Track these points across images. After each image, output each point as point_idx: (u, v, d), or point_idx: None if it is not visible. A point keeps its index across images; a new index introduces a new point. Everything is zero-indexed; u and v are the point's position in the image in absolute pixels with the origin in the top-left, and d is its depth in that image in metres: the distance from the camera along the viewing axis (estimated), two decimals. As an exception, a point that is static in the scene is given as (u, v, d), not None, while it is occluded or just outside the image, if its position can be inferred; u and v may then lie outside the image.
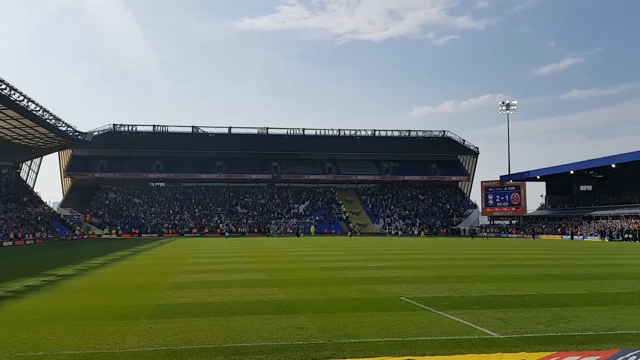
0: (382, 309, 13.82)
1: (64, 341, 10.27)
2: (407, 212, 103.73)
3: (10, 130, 66.97)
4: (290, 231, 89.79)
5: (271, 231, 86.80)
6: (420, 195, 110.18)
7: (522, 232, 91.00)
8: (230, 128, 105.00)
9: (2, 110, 56.39)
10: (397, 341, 10.27)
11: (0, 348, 9.72)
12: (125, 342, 10.19)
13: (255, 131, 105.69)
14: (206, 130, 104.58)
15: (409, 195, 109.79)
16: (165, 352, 9.42)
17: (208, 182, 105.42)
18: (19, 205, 79.63)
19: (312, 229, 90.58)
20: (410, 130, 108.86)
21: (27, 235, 64.83)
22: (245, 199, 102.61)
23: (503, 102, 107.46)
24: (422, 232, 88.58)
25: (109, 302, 15.16)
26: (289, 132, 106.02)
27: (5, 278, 21.15)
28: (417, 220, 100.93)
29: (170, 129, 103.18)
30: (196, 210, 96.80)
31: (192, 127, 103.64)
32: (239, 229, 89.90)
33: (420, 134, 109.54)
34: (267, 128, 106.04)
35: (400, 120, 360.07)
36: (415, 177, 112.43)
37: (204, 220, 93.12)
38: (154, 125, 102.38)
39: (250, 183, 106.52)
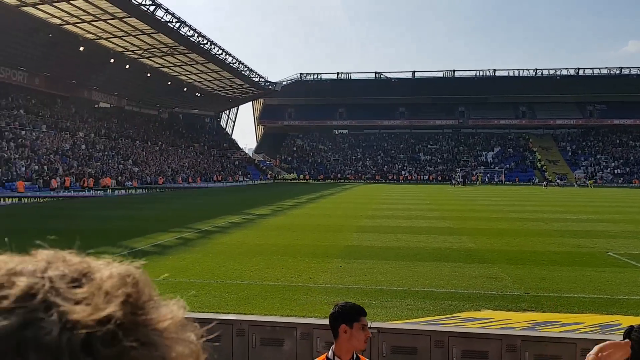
0: (586, 264, 12.75)
1: (265, 273, 11.42)
2: (615, 161, 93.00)
3: (212, 82, 74.82)
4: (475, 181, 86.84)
5: (453, 179, 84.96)
6: (632, 142, 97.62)
7: None
8: (413, 72, 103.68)
9: (204, 64, 63.00)
10: (605, 299, 9.42)
11: (212, 275, 11.18)
12: (319, 278, 10.95)
13: (440, 74, 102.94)
14: (389, 75, 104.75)
15: (617, 141, 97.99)
16: (356, 290, 9.91)
17: (390, 129, 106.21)
18: (220, 151, 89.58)
19: (479, 177, 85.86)
20: (622, 68, 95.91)
21: (227, 178, 72.96)
22: (429, 146, 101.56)
23: None
24: (589, 182, 78.47)
25: (301, 240, 16.37)
26: (477, 74, 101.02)
27: (212, 215, 24.07)
28: (627, 169, 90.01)
29: (354, 76, 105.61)
30: (378, 157, 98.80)
31: (375, 73, 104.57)
32: (421, 177, 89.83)
33: (634, 71, 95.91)
34: (454, 71, 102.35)
35: (609, 57, 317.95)
36: (627, 122, 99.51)
37: (385, 167, 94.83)
38: (337, 73, 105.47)
39: (434, 129, 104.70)
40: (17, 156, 41.79)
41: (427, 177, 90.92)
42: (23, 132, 47.18)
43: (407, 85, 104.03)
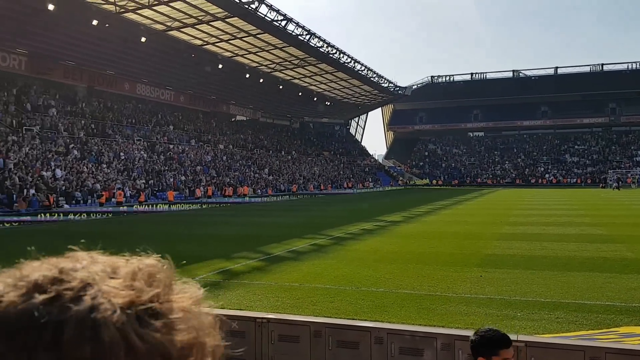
0: None
1: (400, 281, 11.31)
2: None
3: (341, 91, 76.37)
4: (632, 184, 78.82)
5: (609, 182, 77.84)
6: None
7: None
8: (556, 68, 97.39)
9: (334, 73, 64.50)
10: None
11: (347, 281, 11.30)
12: (458, 287, 10.59)
13: (586, 69, 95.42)
14: (528, 73, 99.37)
15: None
16: (499, 301, 9.44)
17: (531, 130, 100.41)
18: (350, 158, 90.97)
19: (635, 179, 77.14)
20: None
21: (357, 184, 73.80)
22: (576, 146, 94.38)
23: None
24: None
25: (437, 248, 15.99)
26: (630, 67, 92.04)
27: (343, 222, 24.44)
28: None
29: (489, 76, 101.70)
30: (518, 159, 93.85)
31: (513, 71, 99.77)
32: (568, 180, 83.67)
33: None
34: (602, 64, 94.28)
35: None
36: None
37: (527, 170, 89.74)
38: (471, 74, 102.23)
39: (581, 128, 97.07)
40: (167, 168, 45.88)
41: (574, 180, 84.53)
42: (171, 146, 51.74)
43: (548, 83, 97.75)
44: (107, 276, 0.56)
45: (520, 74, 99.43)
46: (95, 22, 37.27)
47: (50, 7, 33.60)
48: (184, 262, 13.65)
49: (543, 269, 12.34)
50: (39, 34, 38.55)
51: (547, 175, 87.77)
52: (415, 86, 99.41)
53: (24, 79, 44.18)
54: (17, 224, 25.26)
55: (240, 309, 8.44)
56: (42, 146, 36.88)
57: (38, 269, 0.55)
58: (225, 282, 11.42)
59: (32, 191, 30.26)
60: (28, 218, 26.61)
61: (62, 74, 46.39)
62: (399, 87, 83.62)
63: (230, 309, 8.41)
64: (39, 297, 0.51)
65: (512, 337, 5.10)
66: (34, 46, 41.20)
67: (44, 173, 33.12)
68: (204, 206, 38.99)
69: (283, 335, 6.11)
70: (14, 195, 29.02)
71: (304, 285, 10.92)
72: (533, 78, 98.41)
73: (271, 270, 12.78)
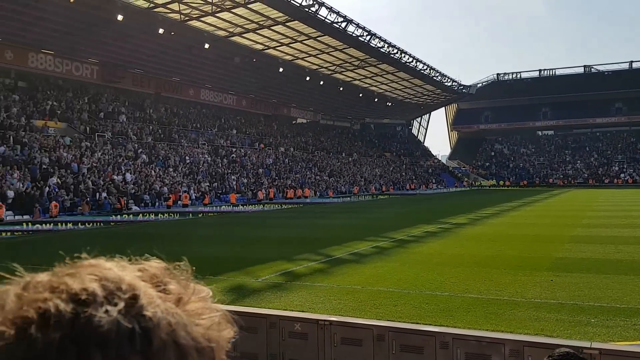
0: None
1: (466, 285, 11.08)
2: None
3: (402, 91, 75.64)
4: None
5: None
6: None
7: None
8: (631, 63, 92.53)
9: (395, 73, 63.95)
10: None
11: (411, 285, 11.19)
12: (527, 292, 10.27)
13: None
14: (600, 68, 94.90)
15: None
16: (571, 307, 9.08)
17: (604, 127, 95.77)
18: (412, 159, 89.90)
19: None
20: None
21: (420, 186, 72.79)
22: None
23: None
24: None
25: (504, 251, 15.56)
26: None
27: (406, 224, 24.17)
28: None
29: (558, 72, 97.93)
30: (591, 158, 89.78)
31: (584, 66, 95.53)
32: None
33: None
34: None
35: None
36: None
37: (600, 169, 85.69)
38: (539, 70, 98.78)
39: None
40: (230, 171, 46.98)
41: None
42: (234, 149, 52.94)
43: (623, 78, 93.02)
44: (143, 281, 0.58)
45: (592, 69, 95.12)
46: (161, 31, 38.69)
47: (120, 17, 35.17)
48: (247, 262, 13.95)
49: (618, 273, 11.77)
50: (109, 44, 40.52)
51: (622, 175, 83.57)
52: (480, 84, 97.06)
53: (95, 87, 46.58)
54: (90, 224, 26.58)
55: (303, 311, 8.53)
56: (113, 151, 38.63)
57: (83, 278, 0.56)
58: (288, 283, 11.57)
59: (104, 194, 31.73)
60: (100, 219, 27.95)
61: (130, 81, 48.54)
62: (463, 85, 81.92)
63: (292, 310, 8.51)
64: (114, 308, 0.53)
65: (586, 344, 4.90)
66: (104, 56, 43.36)
67: (115, 177, 34.67)
68: (265, 207, 39.65)
69: (346, 338, 6.12)
70: (82, 199, 30.52)
71: (366, 288, 10.90)
72: (606, 73, 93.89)
73: (333, 272, 12.83)
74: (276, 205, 41.27)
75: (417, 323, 7.77)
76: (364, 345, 6.00)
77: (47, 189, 29.24)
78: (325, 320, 6.27)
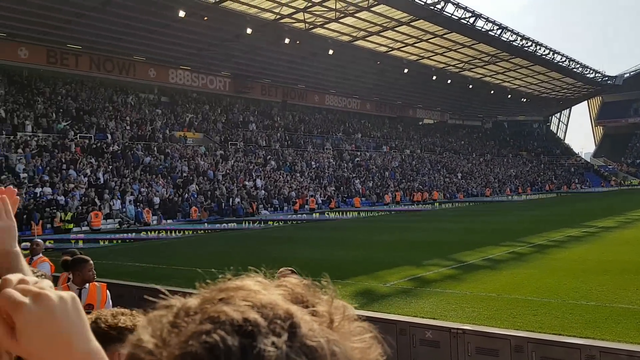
0: None
1: (614, 294, 10.21)
2: None
3: (538, 85, 71.50)
4: None
5: None
6: None
7: None
8: None
9: (529, 67, 60.62)
10: None
11: (552, 293, 10.54)
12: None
13: None
14: None
15: None
16: None
17: None
18: (552, 158, 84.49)
19: None
20: None
21: (561, 186, 68.17)
22: None
23: None
24: None
25: (662, 258, 14.11)
26: None
27: (545, 228, 22.77)
28: None
29: None
30: None
31: None
32: None
33: None
34: None
35: None
36: None
37: None
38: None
39: None
40: (354, 175, 47.53)
41: None
42: (359, 153, 53.48)
43: None
44: (293, 303, 0.57)
45: None
46: (287, 41, 40.21)
47: (249, 31, 37.11)
48: (376, 267, 13.99)
49: None
50: (239, 57, 43.04)
51: None
52: (628, 74, 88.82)
53: (227, 98, 49.78)
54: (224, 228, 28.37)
55: (434, 318, 8.39)
56: (244, 158, 40.85)
57: (239, 305, 0.55)
58: (417, 289, 11.44)
59: (237, 199, 33.64)
60: (234, 225, 29.69)
61: (259, 91, 51.12)
62: (608, 76, 75.59)
63: (422, 317, 8.41)
64: (280, 339, 0.52)
65: None
66: (235, 68, 46.20)
67: (247, 183, 36.63)
68: (392, 211, 39.55)
69: (481, 347, 5.93)
70: (222, 204, 32.56)
71: (502, 295, 10.46)
72: None
73: (466, 279, 12.47)
74: (403, 211, 40.97)
75: (560, 334, 7.31)
76: (500, 356, 5.77)
77: (187, 195, 31.69)
78: (458, 329, 6.12)
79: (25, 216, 23.56)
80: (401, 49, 49.42)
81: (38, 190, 26.47)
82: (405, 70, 52.60)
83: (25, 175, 27.53)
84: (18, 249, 1.34)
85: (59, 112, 35.29)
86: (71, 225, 25.24)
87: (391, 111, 66.41)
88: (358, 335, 0.58)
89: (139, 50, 39.66)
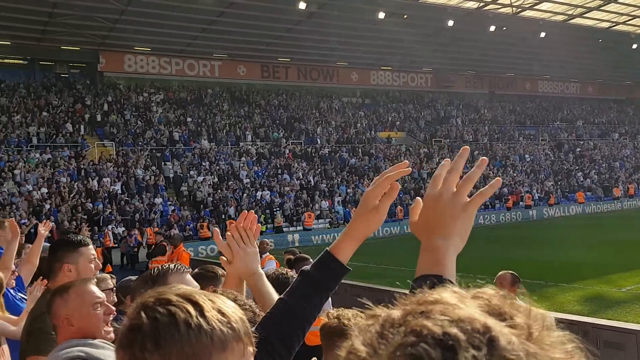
0: None
1: None
2: None
3: None
4: None
5: None
6: None
7: None
8: None
9: None
10: None
11: None
12: None
13: None
14: None
15: None
16: None
17: None
18: None
19: None
20: None
21: None
22: None
23: None
24: None
25: None
26: None
27: None
28: None
29: None
30: None
31: None
32: None
33: None
34: None
35: None
36: None
37: None
38: None
39: None
40: (576, 167, 43.58)
41: None
42: (581, 142, 48.93)
43: None
44: (491, 316, 0.58)
45: None
46: (492, 28, 38.41)
47: (450, 23, 36.30)
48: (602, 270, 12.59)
49: None
50: (441, 50, 42.37)
51: None
52: None
53: (430, 94, 49.48)
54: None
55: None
56: (450, 155, 39.92)
57: (438, 319, 0.57)
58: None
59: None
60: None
61: (463, 84, 49.90)
62: None
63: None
64: (479, 352, 0.54)
65: None
66: (437, 63, 45.59)
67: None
68: (624, 207, 35.40)
69: None
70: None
71: None
72: None
73: None
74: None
75: None
76: None
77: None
78: None
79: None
80: (627, 22, 43.97)
81: (259, 193, 29.47)
82: (634, 46, 46.68)
83: (248, 180, 30.85)
84: (261, 270, 1.85)
85: (275, 122, 38.70)
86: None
87: (619, 93, 59.54)
88: (559, 346, 0.57)
89: (341, 56, 41.64)
